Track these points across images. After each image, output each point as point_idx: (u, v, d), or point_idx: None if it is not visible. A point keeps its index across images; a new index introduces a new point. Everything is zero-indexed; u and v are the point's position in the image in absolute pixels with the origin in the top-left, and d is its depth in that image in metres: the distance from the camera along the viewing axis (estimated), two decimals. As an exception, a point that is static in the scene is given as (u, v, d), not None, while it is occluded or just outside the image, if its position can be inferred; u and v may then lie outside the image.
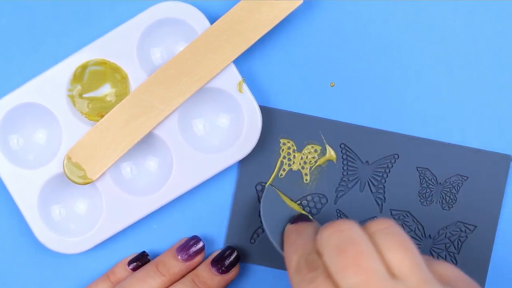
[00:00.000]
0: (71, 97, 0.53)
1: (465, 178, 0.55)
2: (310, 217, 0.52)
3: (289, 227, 0.51)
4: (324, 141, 0.55)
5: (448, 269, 0.43)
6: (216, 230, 0.56)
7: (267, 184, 0.55)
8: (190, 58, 0.52)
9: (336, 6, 0.55)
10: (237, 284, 0.56)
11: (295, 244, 0.47)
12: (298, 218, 0.51)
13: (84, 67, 0.53)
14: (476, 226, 0.55)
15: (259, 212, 0.54)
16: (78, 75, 0.53)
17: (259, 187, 0.55)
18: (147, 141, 0.54)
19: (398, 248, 0.41)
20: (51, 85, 0.53)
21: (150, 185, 0.54)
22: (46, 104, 0.53)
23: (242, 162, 0.55)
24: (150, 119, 0.52)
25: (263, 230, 0.54)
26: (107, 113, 0.53)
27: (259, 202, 0.55)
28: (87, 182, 0.53)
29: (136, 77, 0.53)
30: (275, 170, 0.55)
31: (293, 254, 0.46)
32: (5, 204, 0.55)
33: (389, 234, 0.42)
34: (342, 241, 0.41)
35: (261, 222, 0.54)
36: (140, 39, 0.53)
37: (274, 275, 0.56)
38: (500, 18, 0.55)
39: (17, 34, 0.55)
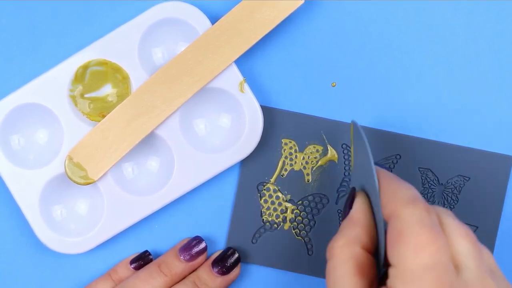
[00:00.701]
0: (73, 97, 0.53)
1: (467, 179, 0.55)
2: None
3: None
4: (326, 141, 0.55)
5: (491, 256, 0.42)
6: (218, 230, 0.56)
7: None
8: (191, 58, 0.52)
9: (337, 6, 0.55)
10: (238, 284, 0.56)
11: (406, 183, 0.43)
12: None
13: (85, 67, 0.53)
14: (477, 227, 0.55)
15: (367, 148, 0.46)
16: (80, 75, 0.53)
17: (260, 187, 0.55)
18: (149, 141, 0.54)
19: (466, 237, 0.40)
20: (52, 85, 0.53)
21: (152, 185, 0.54)
22: (47, 104, 0.53)
23: (244, 162, 0.55)
24: (151, 119, 0.52)
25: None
26: (108, 113, 0.53)
27: (261, 202, 0.55)
28: (89, 182, 0.53)
29: (137, 77, 0.53)
30: (277, 170, 0.55)
31: (407, 189, 0.42)
32: (6, 204, 0.55)
33: (456, 220, 0.41)
34: (423, 219, 0.39)
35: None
36: (141, 39, 0.53)
37: (275, 275, 0.56)
38: (500, 19, 0.55)
39: (17, 34, 0.55)
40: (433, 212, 0.40)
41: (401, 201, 0.40)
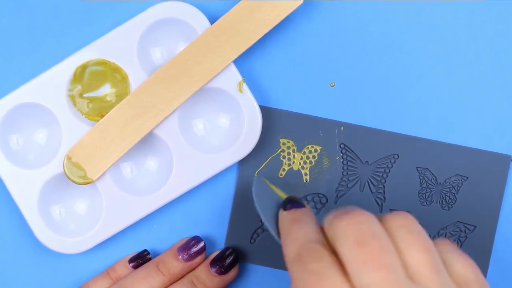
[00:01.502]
0: (71, 97, 0.53)
1: (465, 178, 0.55)
2: (299, 200, 0.51)
3: (284, 214, 0.48)
4: (324, 141, 0.55)
5: (468, 270, 0.40)
6: (216, 230, 0.56)
7: (256, 173, 0.54)
8: (190, 58, 0.52)
9: (337, 6, 0.55)
10: (237, 284, 0.56)
11: (294, 232, 0.44)
12: (289, 203, 0.48)
13: (84, 67, 0.53)
14: (475, 226, 0.55)
15: (254, 203, 0.52)
16: (78, 75, 0.53)
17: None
18: (147, 141, 0.54)
19: (419, 249, 0.38)
20: (51, 85, 0.53)
21: (150, 185, 0.54)
22: (46, 104, 0.53)
23: (242, 162, 0.55)
24: (150, 119, 0.52)
25: (261, 223, 0.54)
26: (107, 113, 0.53)
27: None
28: (87, 182, 0.53)
29: (136, 77, 0.53)
30: (276, 170, 0.55)
31: (292, 242, 0.42)
32: (5, 204, 0.55)
33: (410, 232, 0.39)
34: (362, 234, 0.38)
35: (258, 214, 0.52)
36: (141, 39, 0.53)
37: (274, 275, 0.56)
38: (500, 19, 0.55)
39: (17, 34, 0.55)
40: (316, 261, 0.39)
41: (289, 262, 0.41)
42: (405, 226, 0.40)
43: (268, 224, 0.49)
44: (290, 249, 0.42)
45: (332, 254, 0.39)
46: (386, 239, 0.38)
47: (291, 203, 0.48)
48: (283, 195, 0.53)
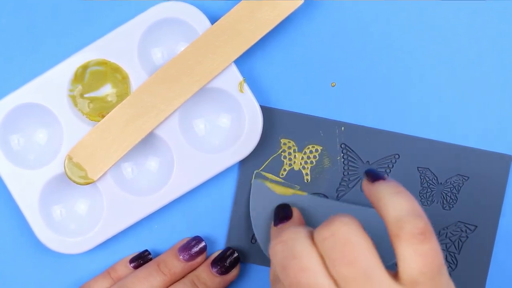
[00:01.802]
0: (72, 97, 0.53)
1: (466, 178, 0.55)
2: (290, 210, 0.52)
3: (272, 232, 0.51)
4: (325, 141, 0.55)
5: (414, 266, 0.39)
6: (217, 230, 0.56)
7: (252, 179, 0.55)
8: (191, 58, 0.52)
9: (337, 6, 0.55)
10: (237, 284, 0.56)
11: (273, 256, 0.45)
12: (277, 217, 0.51)
13: (85, 67, 0.53)
14: (476, 226, 0.55)
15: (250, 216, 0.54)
16: (79, 75, 0.53)
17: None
18: (148, 141, 0.54)
19: (342, 263, 0.38)
20: (52, 85, 0.53)
21: (151, 185, 0.54)
22: (47, 104, 0.53)
23: (243, 162, 0.55)
24: (151, 119, 0.52)
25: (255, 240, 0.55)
26: (108, 113, 0.53)
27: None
28: (88, 182, 0.53)
29: (137, 77, 0.53)
30: (277, 170, 0.55)
31: (271, 266, 0.45)
32: (5, 204, 0.55)
33: (333, 245, 0.39)
34: (284, 255, 0.39)
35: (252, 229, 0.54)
36: (141, 39, 0.53)
37: (275, 275, 0.56)
38: (501, 19, 0.55)
39: (17, 34, 0.55)
40: (294, 241, 0.40)
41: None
42: (330, 237, 0.39)
43: (260, 241, 0.53)
44: (270, 270, 0.45)
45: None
46: (309, 256, 0.39)
47: (280, 218, 0.50)
48: (284, 191, 0.54)
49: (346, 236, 0.39)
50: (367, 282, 0.38)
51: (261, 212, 0.53)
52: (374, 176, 0.43)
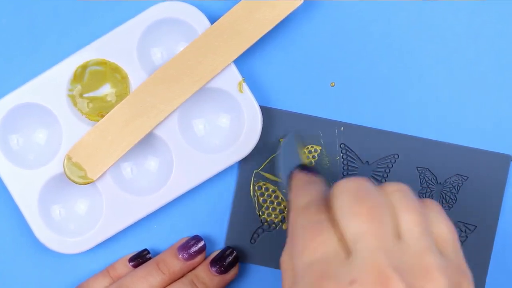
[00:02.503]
0: (72, 97, 0.53)
1: (465, 178, 0.55)
2: (318, 170, 0.51)
3: (300, 174, 0.49)
4: (323, 141, 0.55)
5: (447, 231, 0.41)
6: (216, 230, 0.56)
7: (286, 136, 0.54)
8: (191, 58, 0.52)
9: (337, 6, 0.55)
10: (237, 284, 0.56)
11: (308, 188, 0.46)
12: (308, 168, 0.50)
13: (84, 67, 0.53)
14: (476, 226, 0.55)
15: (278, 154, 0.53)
16: (79, 75, 0.53)
17: (259, 187, 0.55)
18: (148, 141, 0.54)
19: (413, 212, 0.40)
20: (52, 85, 0.53)
21: (150, 185, 0.54)
22: (46, 104, 0.53)
23: (242, 162, 0.55)
24: (150, 119, 0.52)
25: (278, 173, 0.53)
26: (107, 113, 0.53)
27: (259, 202, 0.55)
28: (88, 182, 0.53)
29: (136, 77, 0.53)
30: (266, 161, 0.55)
31: (304, 196, 0.44)
32: (5, 204, 0.55)
33: (405, 196, 0.40)
34: (361, 190, 0.40)
35: (278, 166, 0.52)
36: (141, 39, 0.53)
37: (274, 275, 0.56)
38: (501, 19, 0.55)
39: (17, 34, 0.55)
40: (322, 213, 0.41)
41: (296, 209, 0.43)
42: (401, 191, 0.41)
43: (283, 174, 0.50)
44: (301, 199, 0.44)
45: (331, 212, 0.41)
46: (381, 198, 0.40)
47: (309, 169, 0.49)
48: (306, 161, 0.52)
49: (414, 195, 0.41)
50: (427, 230, 0.40)
51: (288, 156, 0.52)
52: None
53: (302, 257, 0.39)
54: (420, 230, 0.39)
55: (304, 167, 0.49)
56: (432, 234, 0.40)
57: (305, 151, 0.55)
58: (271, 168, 0.55)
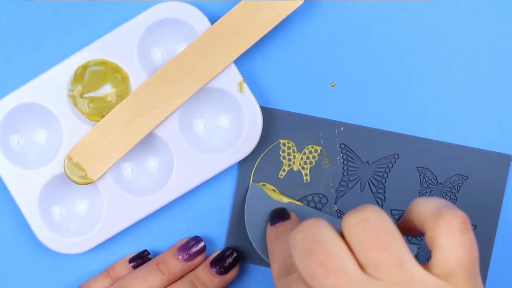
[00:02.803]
0: (72, 97, 0.53)
1: (465, 178, 0.55)
2: (286, 213, 0.52)
3: (268, 230, 0.51)
4: (324, 141, 0.55)
5: (452, 256, 0.38)
6: (217, 230, 0.56)
7: (250, 183, 0.55)
8: (191, 58, 0.52)
9: (337, 6, 0.55)
10: (237, 284, 0.56)
11: (275, 251, 0.46)
12: (275, 217, 0.51)
13: (84, 67, 0.53)
14: (476, 226, 0.55)
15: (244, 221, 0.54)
16: (79, 75, 0.53)
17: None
18: (148, 141, 0.54)
19: (374, 248, 0.37)
20: (52, 85, 0.53)
21: (151, 185, 0.54)
22: (46, 104, 0.53)
23: (242, 162, 0.55)
24: (150, 119, 0.52)
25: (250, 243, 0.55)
26: (107, 113, 0.53)
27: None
28: (88, 182, 0.53)
29: (136, 77, 0.53)
30: (276, 170, 0.55)
31: (274, 262, 0.45)
32: (5, 204, 0.55)
33: (364, 230, 0.38)
34: (308, 242, 0.38)
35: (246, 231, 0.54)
36: (141, 39, 0.53)
37: (274, 275, 0.56)
38: (501, 19, 0.55)
39: (17, 34, 0.55)
40: (289, 275, 0.42)
41: (272, 275, 0.45)
42: (361, 223, 0.38)
43: (256, 245, 0.53)
44: (273, 267, 0.45)
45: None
46: (334, 242, 0.38)
47: (277, 218, 0.51)
48: (279, 198, 0.54)
49: (380, 222, 0.38)
50: (400, 269, 0.37)
51: (256, 214, 0.53)
52: None
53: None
54: (388, 266, 0.37)
55: (272, 218, 0.51)
56: (407, 264, 0.37)
57: (276, 191, 0.55)
58: (271, 168, 0.55)
